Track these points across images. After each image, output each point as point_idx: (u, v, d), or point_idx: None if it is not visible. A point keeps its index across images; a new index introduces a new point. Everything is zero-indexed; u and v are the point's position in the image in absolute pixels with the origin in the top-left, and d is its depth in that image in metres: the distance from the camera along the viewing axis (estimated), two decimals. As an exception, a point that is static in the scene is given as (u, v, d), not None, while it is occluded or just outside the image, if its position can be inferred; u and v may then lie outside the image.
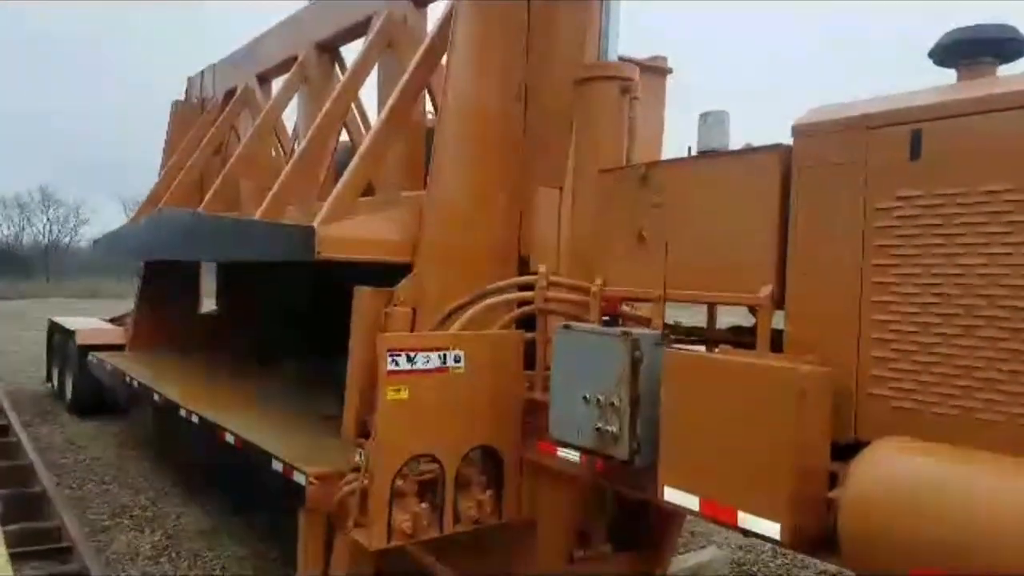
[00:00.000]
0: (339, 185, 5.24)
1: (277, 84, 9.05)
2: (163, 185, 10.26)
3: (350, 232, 4.88)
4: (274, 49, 9.12)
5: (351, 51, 7.56)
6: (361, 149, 5.50)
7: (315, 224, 4.73)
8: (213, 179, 8.44)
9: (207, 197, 8.01)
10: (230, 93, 10.09)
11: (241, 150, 8.32)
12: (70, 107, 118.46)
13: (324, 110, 6.47)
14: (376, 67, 6.80)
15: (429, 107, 6.95)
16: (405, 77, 5.51)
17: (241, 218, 7.68)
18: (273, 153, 9.89)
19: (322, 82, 7.90)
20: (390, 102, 5.46)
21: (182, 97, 11.91)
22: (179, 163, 10.12)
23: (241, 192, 8.83)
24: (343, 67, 8.00)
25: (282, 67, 8.89)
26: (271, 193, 6.28)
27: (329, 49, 8.16)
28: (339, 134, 7.47)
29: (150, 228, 8.94)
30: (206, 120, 10.41)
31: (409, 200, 5.36)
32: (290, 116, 9.47)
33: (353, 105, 8.38)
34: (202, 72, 11.33)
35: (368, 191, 5.82)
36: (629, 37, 4.76)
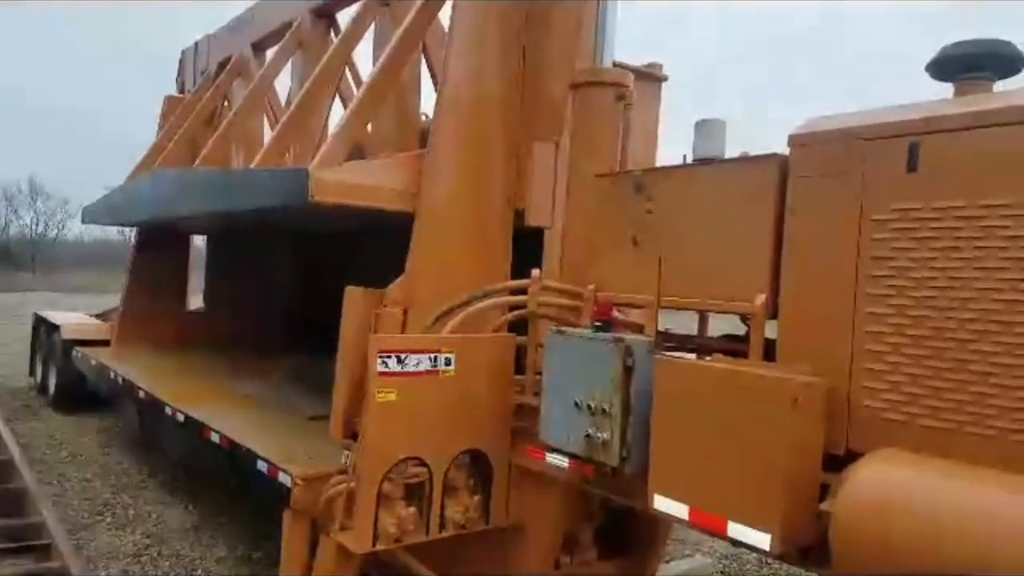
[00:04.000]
0: (334, 133, 5.16)
1: (272, 55, 8.91)
2: (153, 154, 10.15)
3: (347, 176, 4.73)
4: (269, 16, 9.00)
5: (348, 19, 7.44)
6: (355, 101, 5.46)
7: (309, 168, 4.64)
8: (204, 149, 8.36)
9: (197, 162, 7.93)
10: (224, 63, 9.96)
11: (233, 116, 8.22)
12: (62, 98, 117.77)
13: (319, 66, 6.41)
14: (372, 32, 6.75)
15: (424, 108, 6.94)
16: (401, 28, 5.46)
17: (234, 169, 7.62)
18: (266, 121, 9.79)
19: (318, 48, 7.77)
20: (385, 53, 5.40)
21: (175, 73, 11.79)
22: (170, 132, 10.02)
23: (232, 159, 8.76)
24: (339, 33, 7.88)
25: (277, 34, 8.77)
26: (263, 150, 6.22)
27: (326, 14, 8.09)
28: (333, 96, 7.41)
29: (142, 187, 8.76)
30: (199, 90, 10.28)
31: (407, 156, 5.25)
32: (283, 89, 9.43)
33: (349, 74, 8.36)
34: (195, 43, 11.17)
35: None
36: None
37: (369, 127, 6.89)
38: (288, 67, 8.49)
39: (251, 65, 9.21)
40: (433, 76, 7.23)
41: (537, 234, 5.03)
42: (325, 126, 7.35)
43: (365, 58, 7.05)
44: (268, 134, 9.42)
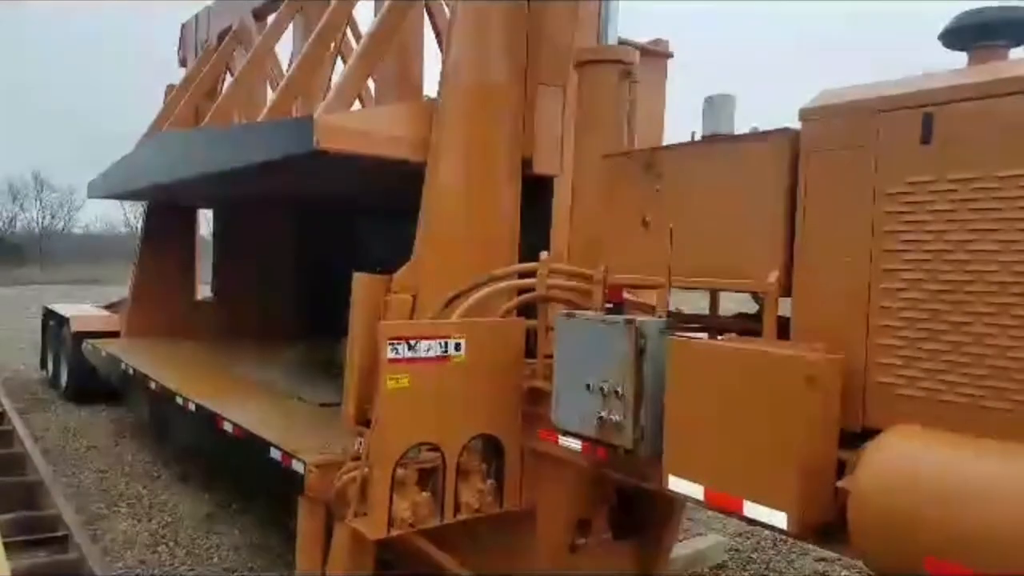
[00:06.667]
0: (338, 83, 5.08)
1: (273, 20, 8.78)
2: (157, 125, 10.12)
3: (354, 123, 4.67)
4: None
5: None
6: (357, 51, 5.41)
7: (315, 114, 4.58)
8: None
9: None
10: (224, 33, 9.87)
11: (235, 81, 8.17)
12: (65, 88, 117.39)
13: (320, 24, 6.36)
14: None
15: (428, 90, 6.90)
16: None
17: (236, 123, 7.59)
18: (268, 88, 9.72)
19: (318, 11, 7.68)
20: (385, 4, 5.36)
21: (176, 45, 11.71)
22: (173, 104, 9.97)
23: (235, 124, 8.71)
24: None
25: (278, 0, 8.64)
26: (266, 108, 6.17)
27: None
28: (336, 55, 7.36)
29: (147, 153, 8.71)
30: (200, 62, 10.19)
31: (415, 104, 5.18)
32: (284, 59, 9.33)
33: (351, 35, 8.28)
34: (196, 16, 11.08)
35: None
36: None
37: (373, 91, 6.83)
38: (289, 33, 8.43)
39: (252, 33, 9.09)
40: (438, 38, 7.19)
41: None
42: (328, 86, 7.31)
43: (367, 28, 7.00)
44: (271, 100, 9.36)
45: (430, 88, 6.84)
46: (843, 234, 2.87)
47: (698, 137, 3.64)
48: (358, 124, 4.68)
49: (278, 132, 5.16)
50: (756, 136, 3.34)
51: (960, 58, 2.90)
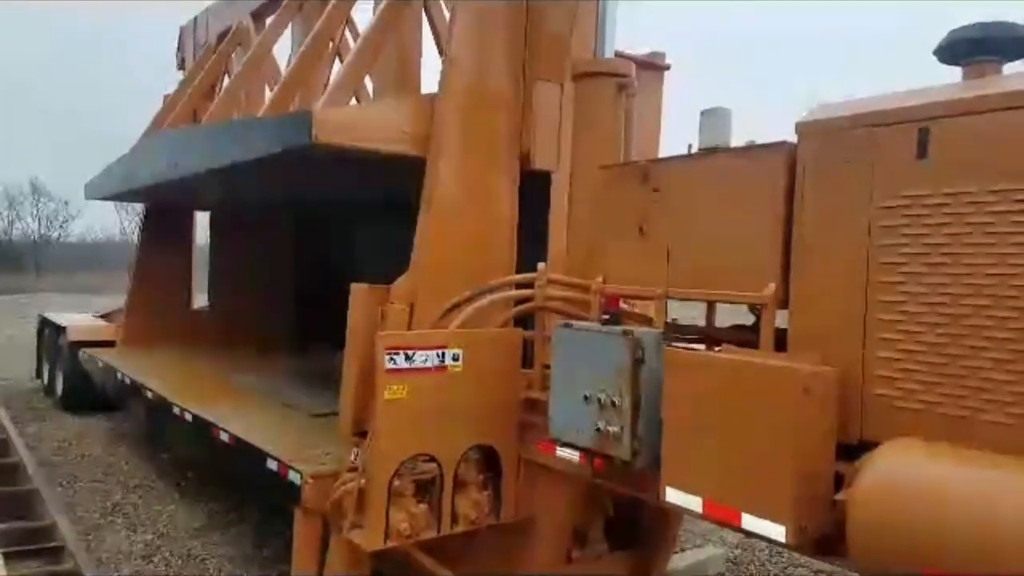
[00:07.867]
0: (335, 80, 5.08)
1: (272, 21, 8.76)
2: (155, 125, 10.07)
3: (353, 117, 4.67)
4: None
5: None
6: (356, 48, 5.42)
7: (313, 108, 4.57)
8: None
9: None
10: (223, 34, 9.84)
11: (234, 81, 8.17)
12: (65, 88, 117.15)
13: (319, 22, 6.35)
14: None
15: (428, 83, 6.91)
16: None
17: (235, 118, 7.59)
18: (267, 90, 9.71)
19: (317, 12, 7.67)
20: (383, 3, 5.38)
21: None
22: (171, 105, 9.94)
23: None
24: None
25: (277, 2, 8.61)
26: (265, 105, 6.17)
27: None
28: (334, 55, 7.36)
29: (145, 150, 8.67)
30: (199, 62, 10.16)
31: (415, 97, 5.16)
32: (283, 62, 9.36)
33: (350, 35, 8.32)
34: (195, 18, 11.05)
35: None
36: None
37: (371, 91, 6.80)
38: (288, 35, 8.45)
39: (251, 34, 9.05)
40: (437, 42, 7.22)
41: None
42: (326, 85, 7.33)
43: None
44: (269, 98, 9.30)
45: (428, 90, 6.90)
46: (840, 247, 2.88)
47: (695, 150, 3.66)
48: (356, 118, 4.70)
49: (277, 126, 5.16)
50: (753, 149, 3.36)
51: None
